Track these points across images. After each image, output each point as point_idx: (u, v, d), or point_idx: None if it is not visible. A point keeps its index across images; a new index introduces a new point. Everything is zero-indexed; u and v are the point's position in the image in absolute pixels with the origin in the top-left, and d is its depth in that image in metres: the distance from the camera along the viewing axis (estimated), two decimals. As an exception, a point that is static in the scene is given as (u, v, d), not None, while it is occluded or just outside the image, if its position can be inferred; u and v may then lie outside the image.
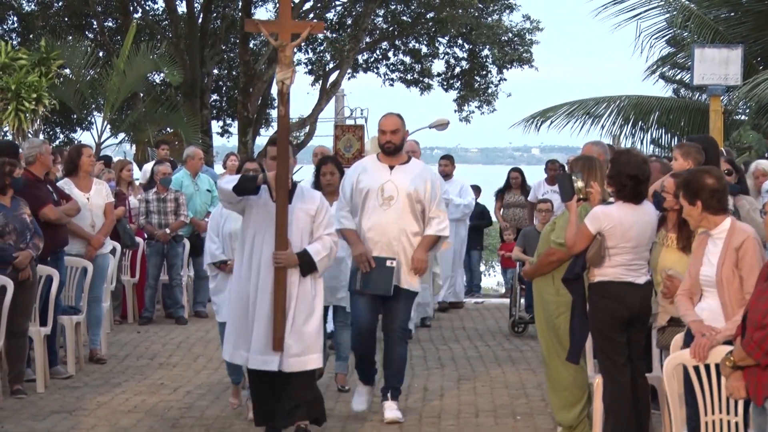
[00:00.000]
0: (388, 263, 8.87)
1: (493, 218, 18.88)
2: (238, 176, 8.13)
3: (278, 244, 7.92)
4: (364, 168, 9.26)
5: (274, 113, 32.87)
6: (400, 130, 9.10)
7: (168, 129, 27.16)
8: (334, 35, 31.73)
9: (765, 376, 5.36)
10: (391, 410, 9.07)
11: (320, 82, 32.12)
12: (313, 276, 8.11)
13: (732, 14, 24.34)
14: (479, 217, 18.29)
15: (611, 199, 7.90)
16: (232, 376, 9.44)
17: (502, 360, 12.00)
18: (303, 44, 32.56)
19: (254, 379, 8.22)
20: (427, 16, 31.34)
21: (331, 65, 31.76)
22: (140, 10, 31.63)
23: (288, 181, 7.97)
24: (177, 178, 14.70)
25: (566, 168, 9.02)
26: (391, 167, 9.09)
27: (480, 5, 30.40)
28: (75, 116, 29.01)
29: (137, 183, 16.08)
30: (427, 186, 9.06)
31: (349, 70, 32.30)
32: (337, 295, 9.81)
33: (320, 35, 31.17)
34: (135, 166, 18.04)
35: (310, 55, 32.77)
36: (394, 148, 9.10)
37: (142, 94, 28.57)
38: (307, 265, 8.02)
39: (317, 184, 9.96)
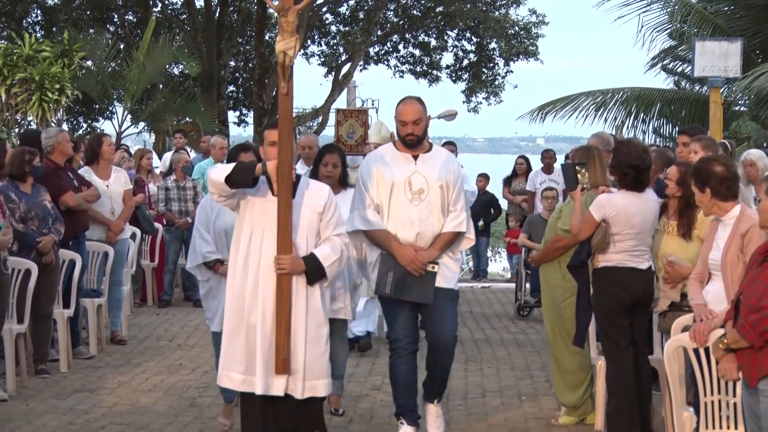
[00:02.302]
0: (430, 267, 7.41)
1: (503, 205, 18.86)
2: (232, 165, 6.48)
3: (281, 246, 6.34)
4: (383, 159, 7.67)
5: (289, 104, 32.91)
6: (422, 119, 7.57)
7: (186, 119, 27.20)
8: (347, 29, 31.71)
9: (758, 358, 5.34)
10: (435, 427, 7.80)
11: (333, 73, 32.12)
12: (321, 284, 6.56)
13: (731, 8, 24.31)
14: (489, 205, 18.29)
15: (613, 189, 7.90)
16: (224, 393, 8.00)
17: (508, 342, 12.00)
18: (317, 36, 32.74)
19: (248, 405, 6.64)
20: (437, 9, 31.36)
21: (343, 57, 31.75)
22: (159, 4, 31.65)
23: (292, 171, 6.39)
24: (200, 167, 14.68)
25: (568, 159, 8.94)
26: (415, 157, 7.58)
27: (488, 0, 30.39)
28: (97, 106, 29.05)
29: (157, 171, 16.10)
30: (454, 176, 7.63)
31: (361, 62, 32.31)
32: (333, 306, 7.56)
33: (333, 28, 31.15)
34: (154, 155, 18.03)
35: (324, 47, 32.79)
36: (418, 140, 7.57)
37: (161, 85, 28.57)
38: (315, 271, 6.45)
39: (315, 176, 8.17)
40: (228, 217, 7.37)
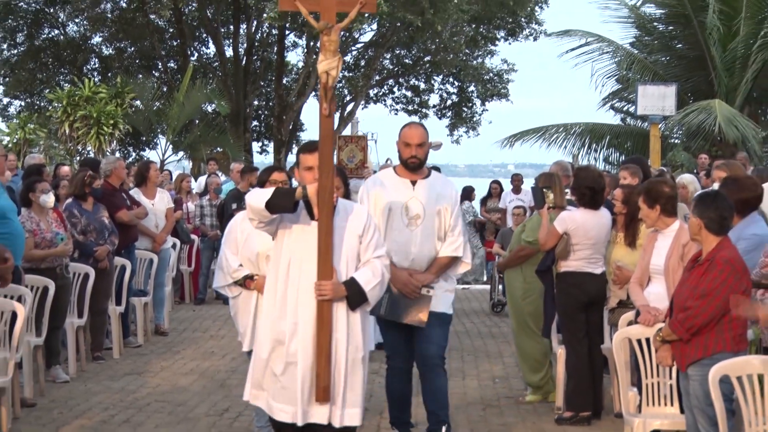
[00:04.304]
0: (425, 291, 6.44)
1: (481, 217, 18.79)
2: (271, 190, 5.27)
3: (322, 272, 5.18)
4: (382, 183, 6.69)
5: (303, 135, 32.93)
6: (425, 144, 6.61)
7: (218, 149, 27.19)
8: (351, 74, 31.74)
9: (686, 349, 5.35)
10: None
11: (339, 111, 32.15)
12: (362, 309, 5.37)
13: (667, 59, 24.41)
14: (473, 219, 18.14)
15: (569, 207, 7.93)
16: (258, 423, 6.74)
17: (484, 334, 11.99)
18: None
19: None
20: (425, 59, 31.38)
21: (348, 98, 31.75)
22: (196, 54, 31.66)
23: (333, 195, 5.22)
24: (227, 188, 14.73)
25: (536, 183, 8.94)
26: (413, 182, 6.59)
27: (467, 51, 30.46)
28: (144, 138, 29.06)
29: (194, 192, 16.12)
30: (451, 202, 6.67)
31: (363, 102, 32.33)
32: None
33: (340, 73, 31.09)
34: (192, 179, 18.05)
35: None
36: (419, 164, 6.60)
37: (197, 121, 28.57)
38: (356, 296, 5.27)
39: None
40: (257, 242, 6.21)
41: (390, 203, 6.52)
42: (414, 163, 6.58)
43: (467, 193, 18.58)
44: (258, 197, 5.18)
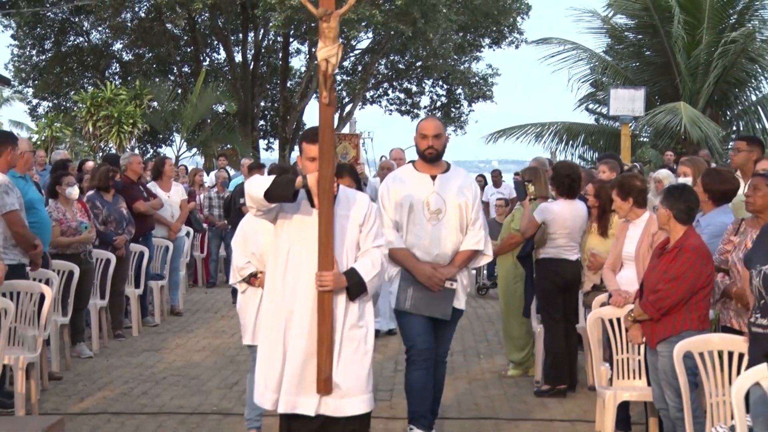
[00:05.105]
0: (448, 284, 5.91)
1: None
2: (271, 178, 4.71)
3: (322, 262, 4.67)
4: (401, 179, 6.10)
5: (305, 134, 32.85)
6: (442, 135, 6.04)
7: (228, 146, 27.17)
8: (349, 78, 31.73)
9: (656, 327, 5.36)
10: None
11: (338, 111, 32.10)
12: (362, 299, 4.86)
13: (637, 65, 24.43)
14: None
15: (550, 199, 7.92)
16: (249, 416, 6.14)
17: (470, 314, 11.96)
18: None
19: (294, 427, 4.86)
20: (417, 64, 31.38)
21: (346, 99, 31.72)
22: (208, 60, 31.61)
23: (333, 184, 4.67)
24: (236, 182, 14.69)
25: (518, 176, 8.92)
26: (433, 177, 6.03)
27: (455, 57, 30.47)
28: (160, 136, 29.01)
29: (206, 185, 16.09)
30: (471, 196, 6.07)
31: (360, 103, 32.30)
32: None
33: (338, 77, 31.08)
34: (204, 173, 18.04)
35: (331, 92, 32.78)
36: (436, 154, 6.01)
37: (209, 120, 28.54)
38: (356, 286, 4.78)
39: None
40: (264, 238, 5.63)
41: (411, 199, 5.96)
42: (431, 154, 6.00)
43: None
44: (257, 186, 4.67)
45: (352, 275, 4.77)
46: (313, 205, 4.73)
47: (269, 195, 4.62)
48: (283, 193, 4.63)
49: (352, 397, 4.75)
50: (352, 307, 4.81)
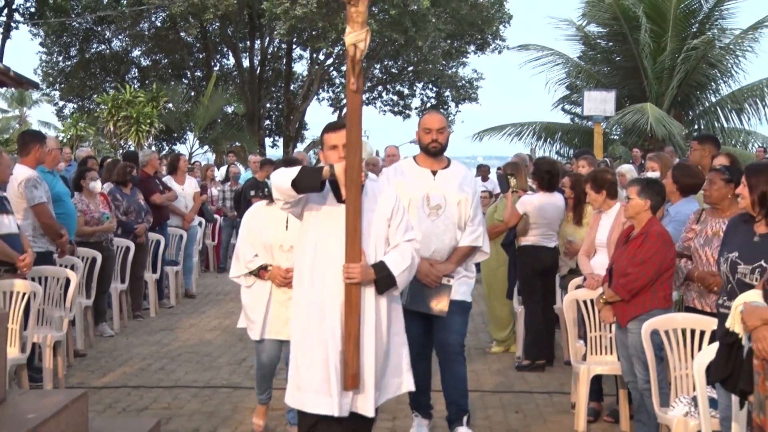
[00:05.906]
0: (445, 280, 5.34)
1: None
2: (297, 168, 4.09)
3: (350, 254, 4.05)
4: (402, 172, 5.54)
5: (307, 134, 32.84)
6: (446, 129, 5.50)
7: (236, 143, 27.13)
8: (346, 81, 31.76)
9: (626, 308, 5.35)
10: None
11: (337, 112, 32.07)
12: (390, 294, 4.23)
13: (608, 69, 24.46)
14: None
15: (530, 192, 7.91)
16: (260, 395, 5.74)
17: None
18: (326, 86, 32.66)
19: (308, 425, 4.25)
20: (408, 69, 31.34)
21: (344, 101, 31.75)
22: (218, 65, 31.54)
23: (361, 174, 4.06)
24: (244, 176, 14.71)
25: (501, 170, 8.90)
26: (434, 172, 5.49)
27: (443, 62, 30.46)
28: (175, 135, 28.98)
29: (217, 179, 16.08)
30: (471, 192, 5.55)
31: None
32: None
33: (337, 80, 31.07)
34: (215, 168, 18.00)
35: (330, 93, 32.72)
36: (440, 148, 5.47)
37: (219, 120, 28.49)
38: (385, 280, 4.15)
39: None
40: (273, 232, 5.31)
41: (411, 193, 5.39)
42: (435, 148, 5.44)
43: None
44: (284, 176, 4.07)
45: (381, 268, 4.15)
46: (339, 198, 4.13)
47: (296, 185, 4.03)
48: (311, 182, 4.03)
49: (385, 396, 4.29)
50: (381, 301, 4.18)
